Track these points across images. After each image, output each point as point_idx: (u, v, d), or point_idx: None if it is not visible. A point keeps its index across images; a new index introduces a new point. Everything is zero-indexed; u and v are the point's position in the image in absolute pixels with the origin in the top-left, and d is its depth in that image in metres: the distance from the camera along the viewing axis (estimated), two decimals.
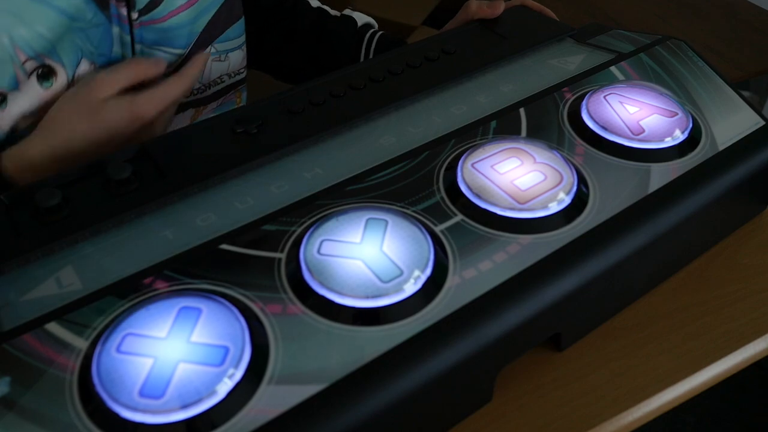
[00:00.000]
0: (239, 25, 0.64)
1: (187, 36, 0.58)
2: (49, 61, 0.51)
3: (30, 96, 0.51)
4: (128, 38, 0.54)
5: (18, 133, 0.52)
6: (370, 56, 0.70)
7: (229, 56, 0.64)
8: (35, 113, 0.52)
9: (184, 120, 0.64)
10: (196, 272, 0.37)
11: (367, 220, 0.40)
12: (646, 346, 0.44)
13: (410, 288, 0.36)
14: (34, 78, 0.50)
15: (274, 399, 0.32)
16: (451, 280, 0.37)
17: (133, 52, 0.55)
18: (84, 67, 0.53)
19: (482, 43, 0.59)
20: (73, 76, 0.52)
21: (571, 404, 0.40)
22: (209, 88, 0.64)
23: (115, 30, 0.53)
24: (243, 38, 0.65)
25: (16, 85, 0.49)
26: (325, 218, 0.40)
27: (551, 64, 0.56)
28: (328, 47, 0.71)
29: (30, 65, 0.49)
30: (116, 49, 0.54)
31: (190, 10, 0.57)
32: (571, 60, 0.56)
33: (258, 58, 0.73)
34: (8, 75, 0.49)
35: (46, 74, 0.51)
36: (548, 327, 0.41)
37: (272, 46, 0.74)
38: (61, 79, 0.52)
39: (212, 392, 0.31)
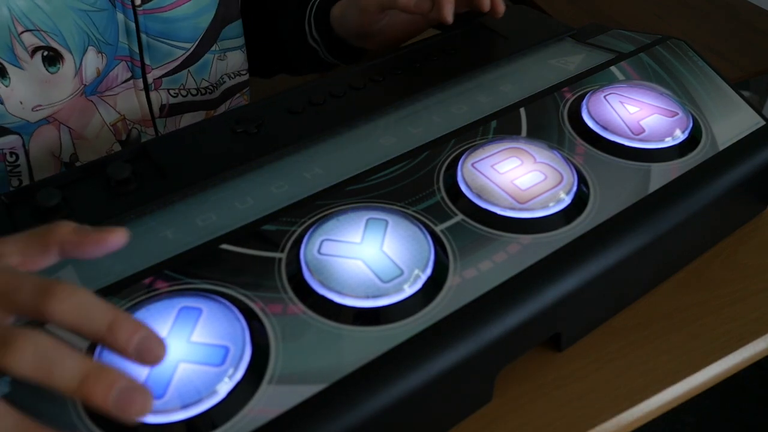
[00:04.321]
0: (236, 26, 0.63)
1: (192, 30, 0.58)
2: (54, 45, 0.50)
3: (36, 79, 0.51)
4: (133, 26, 0.54)
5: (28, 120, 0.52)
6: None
7: (227, 55, 0.64)
8: (41, 97, 0.52)
9: (194, 122, 0.64)
10: (196, 272, 0.37)
11: (367, 220, 0.40)
12: (646, 346, 0.44)
13: (410, 288, 0.36)
14: (39, 60, 0.50)
15: (275, 399, 0.32)
16: (452, 280, 0.37)
17: (139, 43, 0.55)
18: (91, 55, 0.53)
19: (482, 43, 0.59)
20: (81, 64, 0.52)
21: (571, 404, 0.40)
22: (216, 89, 0.64)
23: (120, 17, 0.53)
24: (241, 40, 0.65)
25: (14, 59, 0.49)
26: (325, 218, 0.40)
27: (551, 64, 0.56)
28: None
29: (28, 38, 0.49)
30: (122, 39, 0.54)
31: (192, 4, 0.57)
32: (571, 60, 0.56)
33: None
34: (4, 42, 0.48)
35: (52, 58, 0.51)
36: (548, 327, 0.41)
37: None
38: (68, 66, 0.52)
39: (212, 392, 0.31)
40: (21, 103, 0.51)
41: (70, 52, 0.51)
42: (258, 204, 0.42)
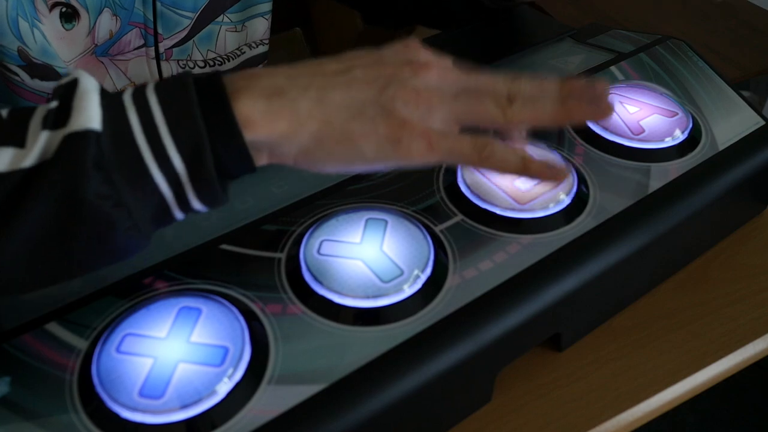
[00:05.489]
0: None
1: (194, 0, 0.58)
2: (73, 1, 0.51)
3: (52, 35, 0.51)
4: None
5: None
6: None
7: (246, 25, 0.63)
8: (55, 53, 0.52)
9: None
10: (196, 272, 0.37)
11: (367, 220, 0.40)
12: (646, 346, 0.44)
13: (410, 288, 0.36)
14: (56, 15, 0.50)
15: (274, 399, 0.32)
16: (451, 280, 0.37)
17: (154, 10, 0.55)
18: (106, 16, 0.53)
19: (482, 43, 0.59)
20: (95, 24, 0.52)
21: (571, 404, 0.40)
22: (228, 61, 0.64)
23: None
24: (264, 7, 0.63)
25: (34, 12, 0.49)
26: (325, 218, 0.40)
27: (551, 64, 0.56)
28: None
29: None
30: (138, 6, 0.55)
31: None
32: (571, 60, 0.56)
33: None
34: None
35: (69, 15, 0.51)
36: (548, 327, 0.41)
37: None
38: (83, 24, 0.52)
39: (212, 392, 0.31)
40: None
41: (87, 10, 0.52)
42: (258, 204, 0.42)
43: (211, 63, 0.62)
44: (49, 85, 0.53)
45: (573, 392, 0.41)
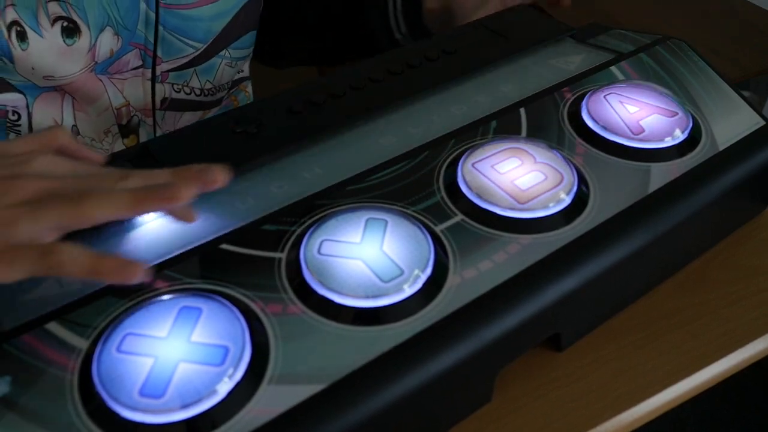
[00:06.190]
0: (251, 36, 0.65)
1: (205, 32, 0.58)
2: (75, 17, 0.51)
3: (54, 50, 0.52)
4: (153, 17, 0.55)
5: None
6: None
7: (238, 64, 0.65)
8: (54, 68, 0.53)
9: (193, 121, 0.65)
10: (196, 272, 0.37)
11: (367, 220, 0.40)
12: (646, 346, 0.44)
13: (410, 288, 0.36)
14: (58, 30, 0.51)
15: (275, 399, 0.32)
16: (452, 280, 0.37)
17: (156, 34, 0.56)
18: (107, 35, 0.53)
19: (482, 43, 0.59)
20: (96, 41, 0.53)
21: (571, 404, 0.40)
22: (220, 91, 0.65)
23: (143, 6, 0.54)
24: (251, 50, 0.66)
25: (36, 25, 0.50)
26: (325, 218, 0.40)
27: (551, 64, 0.56)
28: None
29: (52, 7, 0.50)
30: (140, 28, 0.55)
31: (212, 6, 0.58)
32: (571, 60, 0.56)
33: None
34: (30, 7, 0.49)
35: (71, 30, 0.52)
36: (548, 327, 0.41)
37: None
38: (84, 40, 0.52)
39: (212, 392, 0.31)
40: (33, 69, 0.52)
41: (89, 27, 0.52)
42: (258, 204, 0.42)
43: (206, 93, 0.64)
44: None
45: (573, 392, 0.41)
